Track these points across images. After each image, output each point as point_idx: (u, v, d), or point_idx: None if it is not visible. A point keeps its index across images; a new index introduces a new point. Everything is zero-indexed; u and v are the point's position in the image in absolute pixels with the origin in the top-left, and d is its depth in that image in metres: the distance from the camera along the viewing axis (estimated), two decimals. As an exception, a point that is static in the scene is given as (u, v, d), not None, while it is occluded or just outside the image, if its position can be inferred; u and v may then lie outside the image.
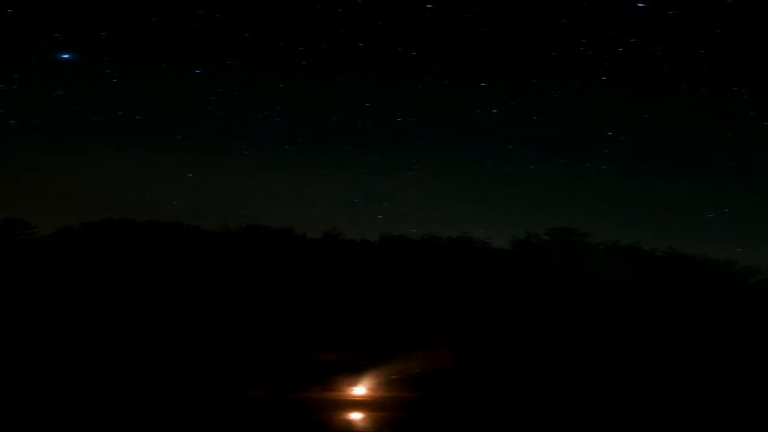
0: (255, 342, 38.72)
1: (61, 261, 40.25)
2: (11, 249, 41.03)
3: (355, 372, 37.93)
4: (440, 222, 79.68)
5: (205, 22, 40.99)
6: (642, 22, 37.23)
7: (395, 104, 60.24)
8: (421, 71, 51.13)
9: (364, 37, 46.07)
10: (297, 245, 44.37)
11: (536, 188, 60.68)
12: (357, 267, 42.18)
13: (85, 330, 38.04)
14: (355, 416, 34.76)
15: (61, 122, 55.36)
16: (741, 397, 36.37)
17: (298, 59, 50.66)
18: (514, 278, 43.69)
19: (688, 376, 38.76)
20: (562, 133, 57.30)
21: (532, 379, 37.49)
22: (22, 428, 28.06)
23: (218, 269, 41.56)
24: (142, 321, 39.06)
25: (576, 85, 40.17)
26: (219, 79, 54.92)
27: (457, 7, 38.89)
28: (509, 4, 37.07)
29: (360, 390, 38.27)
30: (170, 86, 55.10)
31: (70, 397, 32.68)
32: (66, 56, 38.92)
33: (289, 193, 64.90)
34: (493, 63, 44.31)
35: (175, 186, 65.02)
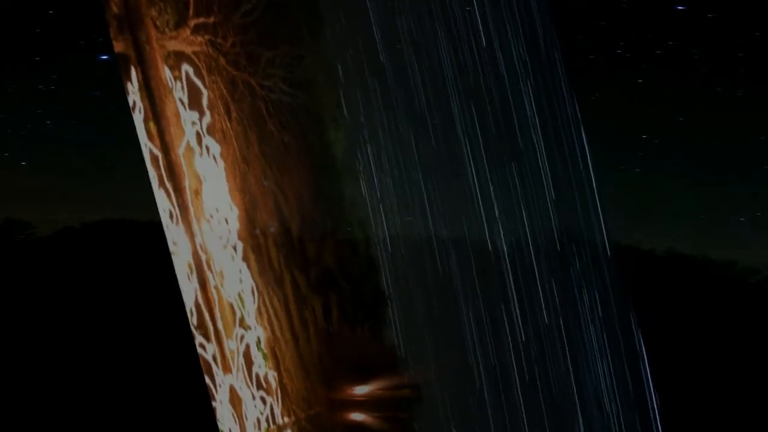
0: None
1: (61, 261, 38.98)
2: (11, 249, 39.63)
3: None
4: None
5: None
6: (681, 24, 36.27)
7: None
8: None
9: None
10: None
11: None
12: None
13: (85, 330, 37.39)
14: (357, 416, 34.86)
15: (97, 122, 52.71)
16: (740, 399, 37.36)
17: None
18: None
19: (687, 376, 39.61)
20: (595, 136, 56.09)
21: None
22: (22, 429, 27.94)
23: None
24: (141, 321, 38.34)
25: (612, 88, 38.55)
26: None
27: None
28: (546, 7, 35.25)
29: (362, 390, 38.09)
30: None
31: (68, 399, 32.52)
32: (104, 57, 38.62)
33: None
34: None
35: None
